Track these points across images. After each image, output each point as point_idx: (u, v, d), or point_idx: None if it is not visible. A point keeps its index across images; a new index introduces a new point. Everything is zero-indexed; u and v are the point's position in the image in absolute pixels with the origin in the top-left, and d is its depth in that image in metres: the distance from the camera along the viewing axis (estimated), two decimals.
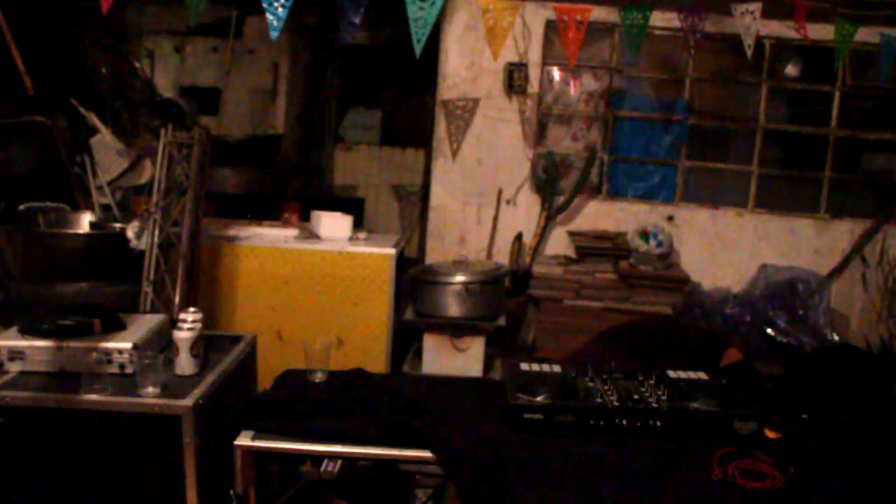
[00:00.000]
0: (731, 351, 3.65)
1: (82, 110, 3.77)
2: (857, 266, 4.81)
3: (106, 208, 3.68)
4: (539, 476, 1.80)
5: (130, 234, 3.12)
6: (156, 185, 3.14)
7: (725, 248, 4.86)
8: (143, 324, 2.46)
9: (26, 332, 2.29)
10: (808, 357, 3.93)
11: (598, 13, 4.36)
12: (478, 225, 4.91)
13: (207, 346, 2.41)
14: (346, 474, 2.71)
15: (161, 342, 2.45)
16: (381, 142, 7.07)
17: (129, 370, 2.24)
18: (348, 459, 2.59)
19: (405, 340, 3.76)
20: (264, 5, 3.35)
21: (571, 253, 4.87)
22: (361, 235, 3.78)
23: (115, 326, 2.37)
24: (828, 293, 4.61)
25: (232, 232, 3.71)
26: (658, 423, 2.01)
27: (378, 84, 7.07)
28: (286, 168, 6.00)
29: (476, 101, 4.84)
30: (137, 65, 5.54)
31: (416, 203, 6.73)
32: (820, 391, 2.99)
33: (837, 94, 4.80)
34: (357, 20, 3.72)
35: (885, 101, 4.79)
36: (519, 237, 4.78)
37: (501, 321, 3.61)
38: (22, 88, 4.08)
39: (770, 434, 2.01)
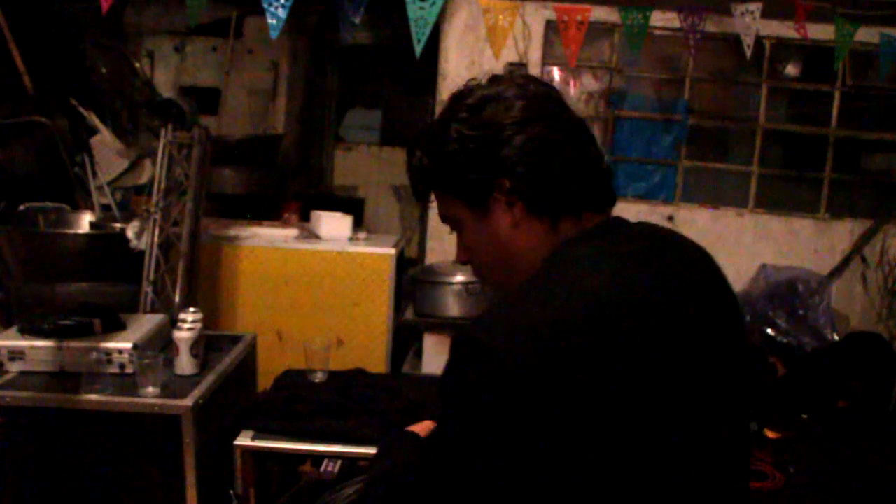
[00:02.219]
0: (776, 362, 3.66)
1: (82, 110, 3.77)
2: (857, 266, 4.81)
3: (106, 208, 3.68)
4: None
5: (130, 234, 3.12)
6: (156, 185, 3.15)
7: (725, 248, 4.86)
8: (143, 324, 2.46)
9: (26, 332, 2.29)
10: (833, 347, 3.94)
11: (598, 13, 4.36)
12: None
13: (207, 346, 2.41)
14: (346, 474, 2.71)
15: (161, 342, 2.45)
16: (381, 142, 7.06)
17: (129, 370, 2.24)
18: (348, 459, 2.59)
19: (405, 340, 3.76)
20: (264, 5, 3.36)
21: None
22: (361, 235, 3.79)
23: (115, 326, 2.37)
24: (828, 293, 4.60)
25: (232, 232, 3.71)
26: None
27: (378, 84, 7.06)
28: (286, 168, 6.00)
29: None
30: (137, 65, 5.54)
31: (416, 203, 6.72)
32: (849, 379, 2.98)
33: (837, 94, 4.80)
34: (357, 20, 3.72)
35: (885, 101, 4.79)
36: None
37: None
38: (22, 88, 4.08)
39: (770, 434, 2.01)
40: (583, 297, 0.92)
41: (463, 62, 4.83)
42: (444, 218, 1.09)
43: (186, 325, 2.28)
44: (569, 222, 1.02)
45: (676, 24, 4.26)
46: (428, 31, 3.58)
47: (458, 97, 1.05)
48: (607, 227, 1.05)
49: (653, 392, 0.93)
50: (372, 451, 2.03)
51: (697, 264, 1.10)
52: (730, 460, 1.05)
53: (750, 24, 3.97)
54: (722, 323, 1.07)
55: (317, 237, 3.72)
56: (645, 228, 1.10)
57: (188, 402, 2.09)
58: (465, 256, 1.11)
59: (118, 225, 3.43)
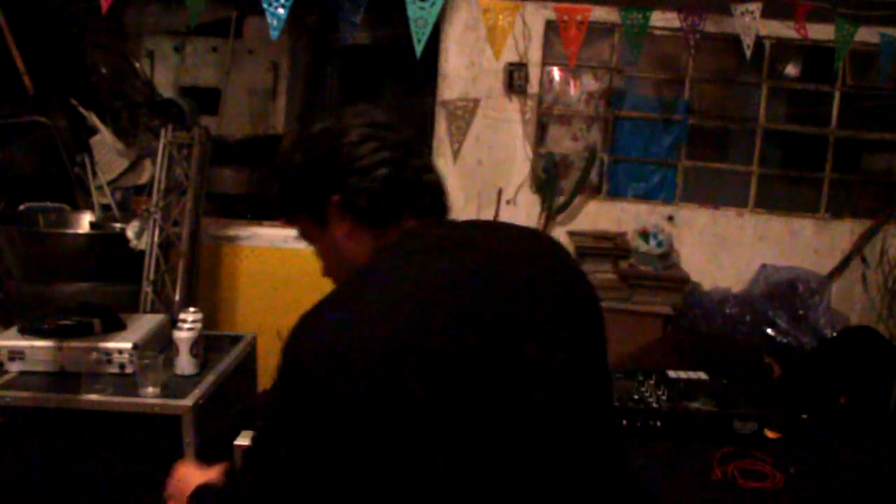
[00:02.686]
0: (772, 363, 3.66)
1: (82, 110, 3.77)
2: (857, 266, 4.81)
3: (106, 208, 3.68)
4: None
5: (130, 234, 3.12)
6: (156, 185, 3.15)
7: (725, 248, 4.86)
8: (143, 324, 2.46)
9: (26, 332, 2.29)
10: (834, 340, 3.94)
11: (599, 13, 4.36)
12: None
13: (207, 346, 2.41)
14: None
15: (161, 342, 2.45)
16: None
17: (129, 370, 2.24)
18: None
19: None
20: (264, 5, 3.36)
21: (571, 253, 4.87)
22: None
23: (115, 326, 2.37)
24: (828, 293, 4.60)
25: (232, 232, 3.71)
26: (658, 423, 2.01)
27: (378, 84, 7.06)
28: None
29: (476, 102, 4.84)
30: (137, 65, 5.54)
31: None
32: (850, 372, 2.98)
33: (837, 94, 4.80)
34: (357, 20, 3.72)
35: (885, 101, 4.79)
36: None
37: None
38: (22, 88, 4.08)
39: (770, 434, 2.01)
40: (383, 302, 0.98)
41: (463, 62, 4.83)
42: (300, 235, 1.25)
43: (186, 325, 2.28)
44: (394, 230, 1.13)
45: (676, 24, 4.26)
46: (428, 31, 3.58)
47: (303, 130, 1.20)
48: (423, 230, 1.13)
49: (464, 392, 0.94)
50: None
51: (525, 253, 1.14)
52: (579, 445, 1.06)
53: (750, 24, 3.97)
54: (555, 307, 1.09)
55: None
56: (469, 226, 1.19)
57: (188, 402, 2.09)
58: (324, 270, 1.27)
59: (118, 225, 3.43)
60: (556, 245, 1.23)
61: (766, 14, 4.08)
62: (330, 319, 0.99)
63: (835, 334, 4.33)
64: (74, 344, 2.24)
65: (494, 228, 1.23)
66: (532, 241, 1.19)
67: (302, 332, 1.00)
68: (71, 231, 3.57)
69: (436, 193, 1.19)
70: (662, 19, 4.41)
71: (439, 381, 0.92)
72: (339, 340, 0.94)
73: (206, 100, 5.75)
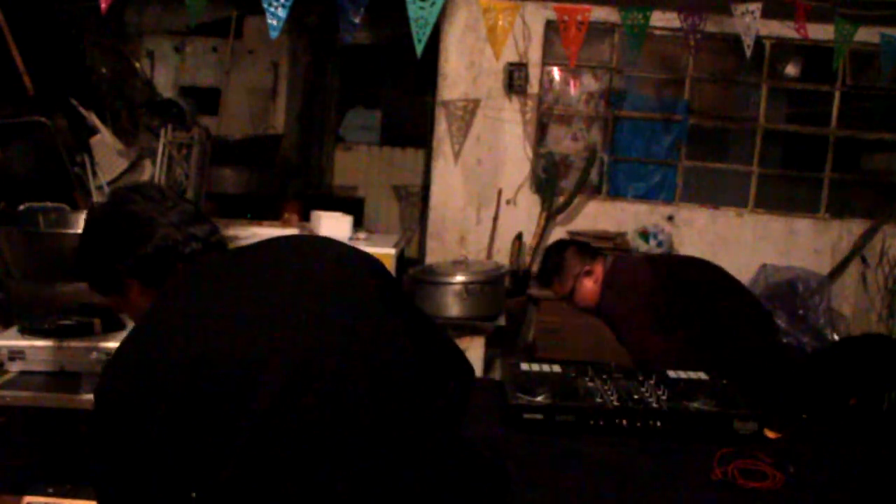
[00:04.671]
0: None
1: (82, 110, 3.77)
2: (857, 266, 4.81)
3: None
4: (539, 476, 1.80)
5: None
6: None
7: (725, 248, 4.86)
8: None
9: (26, 332, 2.29)
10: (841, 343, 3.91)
11: (599, 13, 4.36)
12: (478, 225, 4.91)
13: None
14: None
15: None
16: (381, 142, 7.06)
17: None
18: None
19: None
20: (264, 5, 3.36)
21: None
22: (361, 235, 3.78)
23: (115, 326, 2.37)
24: (828, 293, 4.60)
25: (232, 232, 3.71)
26: (658, 423, 2.01)
27: (378, 84, 7.07)
28: (286, 168, 6.00)
29: (476, 102, 4.84)
30: (137, 65, 5.54)
31: (416, 203, 6.73)
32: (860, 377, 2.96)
33: (837, 94, 4.80)
34: (357, 20, 3.72)
35: (885, 101, 4.79)
36: (519, 237, 4.78)
37: (501, 321, 3.60)
38: (22, 88, 4.08)
39: (770, 434, 2.01)
40: (144, 344, 1.17)
41: (463, 62, 4.83)
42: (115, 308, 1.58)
43: None
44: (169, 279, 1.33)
45: (676, 24, 4.27)
46: (428, 31, 3.58)
47: (89, 211, 1.46)
48: (190, 272, 1.32)
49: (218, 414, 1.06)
50: None
51: (281, 279, 1.25)
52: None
53: (750, 24, 3.97)
54: (313, 321, 1.18)
55: None
56: (235, 255, 1.39)
57: None
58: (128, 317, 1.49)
59: None
60: (327, 252, 1.34)
61: (766, 14, 4.08)
62: (116, 365, 1.16)
63: (836, 337, 4.33)
64: (74, 344, 2.24)
65: (252, 255, 1.37)
66: (298, 254, 1.32)
67: (101, 379, 1.16)
68: (71, 231, 3.56)
69: (202, 239, 1.39)
70: (662, 19, 4.41)
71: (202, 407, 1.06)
72: (125, 384, 1.12)
73: (206, 100, 5.75)
